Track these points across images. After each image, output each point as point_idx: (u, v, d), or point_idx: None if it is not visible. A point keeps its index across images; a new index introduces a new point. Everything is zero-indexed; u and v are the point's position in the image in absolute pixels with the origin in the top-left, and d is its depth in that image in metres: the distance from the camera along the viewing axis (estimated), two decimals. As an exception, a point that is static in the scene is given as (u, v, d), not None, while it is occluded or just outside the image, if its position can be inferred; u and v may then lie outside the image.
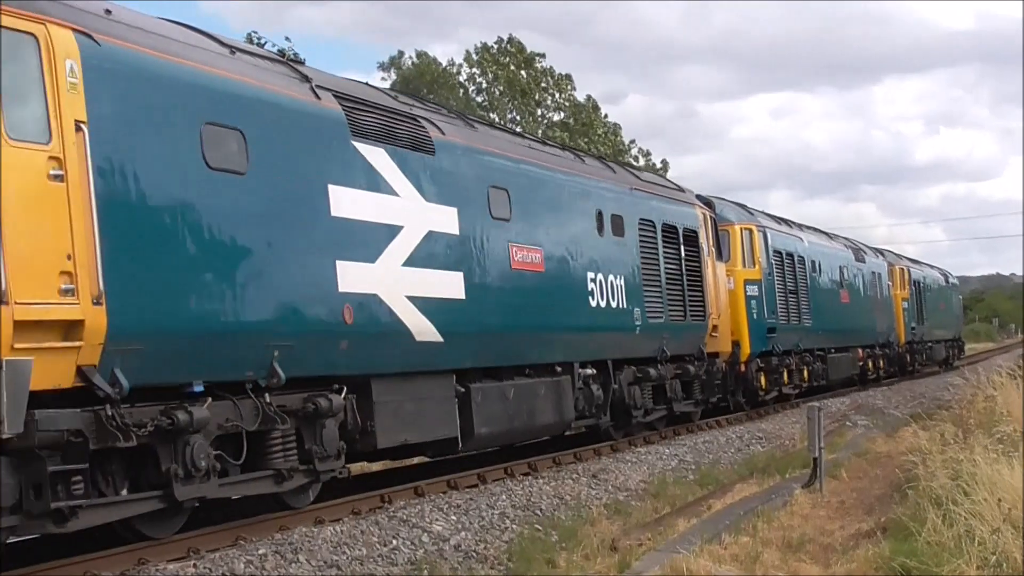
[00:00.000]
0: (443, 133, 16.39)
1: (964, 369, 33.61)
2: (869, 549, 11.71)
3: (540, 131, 49.74)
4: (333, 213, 13.56)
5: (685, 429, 24.91)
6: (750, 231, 29.31)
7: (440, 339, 15.37)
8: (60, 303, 9.87)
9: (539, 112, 55.09)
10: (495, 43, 54.63)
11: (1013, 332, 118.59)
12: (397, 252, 14.77)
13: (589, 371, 19.94)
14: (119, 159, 10.65)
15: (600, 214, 20.48)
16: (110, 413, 10.55)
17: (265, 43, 36.19)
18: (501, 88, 54.12)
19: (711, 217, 26.29)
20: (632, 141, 58.64)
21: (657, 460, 20.74)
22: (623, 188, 22.00)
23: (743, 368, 28.14)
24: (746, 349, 28.04)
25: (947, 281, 61.22)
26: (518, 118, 53.97)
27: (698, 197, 26.80)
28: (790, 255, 32.03)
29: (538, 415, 18.19)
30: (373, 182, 14.44)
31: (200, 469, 11.63)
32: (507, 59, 54.62)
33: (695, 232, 24.50)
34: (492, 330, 16.81)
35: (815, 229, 38.37)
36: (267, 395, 12.57)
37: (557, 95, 55.46)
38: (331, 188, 13.60)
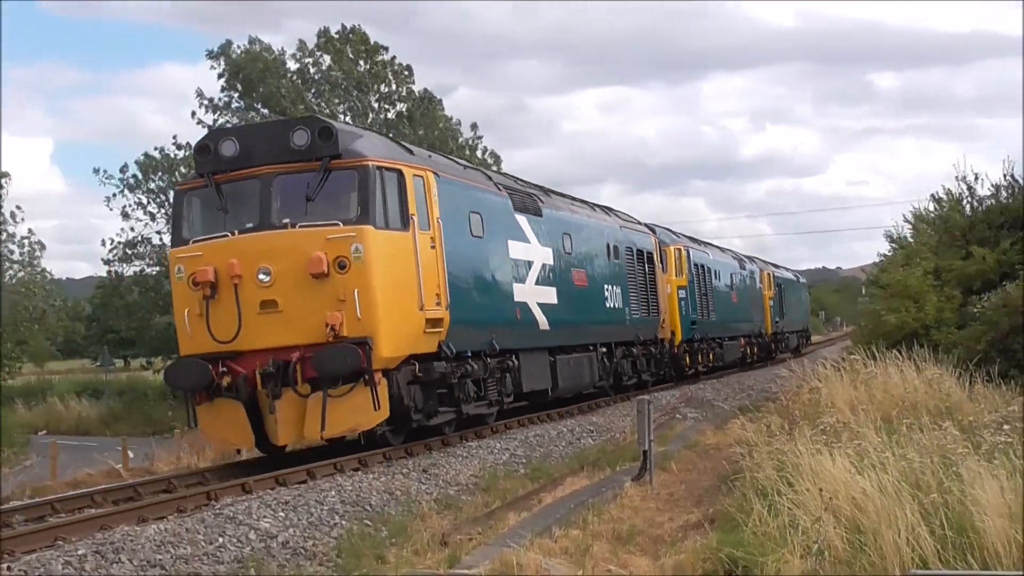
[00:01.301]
0: (542, 202, 26.44)
1: (791, 362, 34.05)
2: (697, 540, 11.90)
3: (379, 126, 48.21)
4: (510, 255, 23.73)
5: (546, 417, 26.94)
6: (679, 250, 38.74)
7: (548, 328, 25.20)
8: (435, 309, 19.90)
9: (377, 106, 53.05)
10: (337, 32, 51.72)
11: (839, 325, 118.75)
12: (532, 276, 24.79)
13: (603, 350, 29.64)
14: (447, 235, 20.47)
15: (608, 245, 30.66)
16: (446, 365, 20.34)
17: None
18: (339, 76, 51.48)
19: (657, 241, 36.51)
20: (481, 138, 56.37)
21: (488, 454, 20.74)
22: (616, 225, 32.31)
23: (676, 351, 37.36)
24: (679, 337, 37.33)
25: (799, 280, 70.95)
26: (357, 107, 51.77)
27: (646, 226, 36.93)
28: (703, 266, 41.48)
29: (583, 377, 27.97)
30: (522, 236, 24.51)
31: (471, 397, 21.61)
32: (348, 47, 52.00)
33: (651, 253, 35.07)
34: (567, 323, 26.48)
35: (714, 245, 48.80)
36: (488, 359, 22.26)
37: (395, 86, 53.34)
38: (509, 242, 23.78)
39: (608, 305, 29.76)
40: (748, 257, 55.34)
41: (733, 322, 46.02)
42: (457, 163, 23.95)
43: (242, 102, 49.32)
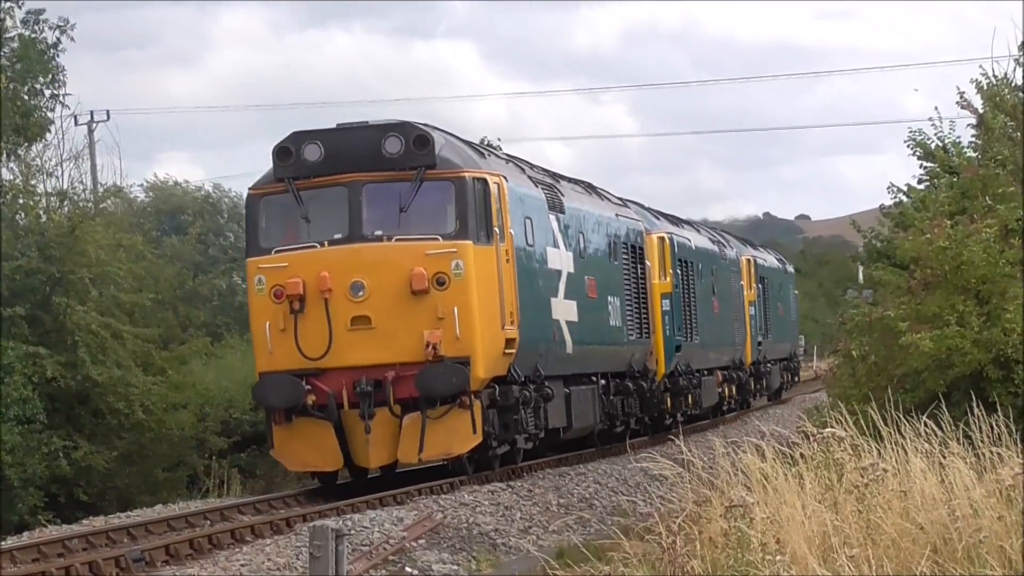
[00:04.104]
0: (562, 194, 23.29)
1: (684, 438, 16.06)
2: None
3: None
4: (548, 265, 22.02)
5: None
6: (663, 239, 29.21)
7: (571, 351, 22.65)
8: (511, 329, 19.54)
9: None
10: None
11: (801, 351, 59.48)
12: (561, 289, 22.55)
13: (602, 382, 25.26)
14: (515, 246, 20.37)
15: (609, 242, 25.86)
16: (518, 390, 20.16)
17: None
18: None
19: (644, 229, 28.95)
20: None
21: None
22: (612, 213, 26.89)
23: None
24: (661, 368, 28.31)
25: (785, 269, 47.18)
26: None
27: (621, 200, 28.98)
28: (687, 262, 30.88)
29: (589, 416, 23.78)
30: (555, 240, 22.37)
31: (524, 428, 20.55)
32: None
33: (643, 249, 28.05)
34: (585, 344, 23.35)
35: (683, 220, 35.73)
36: (531, 385, 20.66)
37: None
38: (548, 249, 21.98)
39: (611, 323, 25.38)
40: (722, 234, 38.87)
41: (715, 346, 32.72)
42: (498, 155, 23.60)
43: None
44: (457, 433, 18.62)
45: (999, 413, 11.02)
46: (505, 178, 20.25)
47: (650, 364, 27.57)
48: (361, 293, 18.54)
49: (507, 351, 19.53)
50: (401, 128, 19.10)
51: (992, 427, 10.46)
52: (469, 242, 18.78)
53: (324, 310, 18.47)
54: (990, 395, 13.63)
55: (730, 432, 23.75)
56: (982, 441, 10.30)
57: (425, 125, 19.69)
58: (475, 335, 18.67)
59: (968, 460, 9.97)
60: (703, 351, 31.36)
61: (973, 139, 18.93)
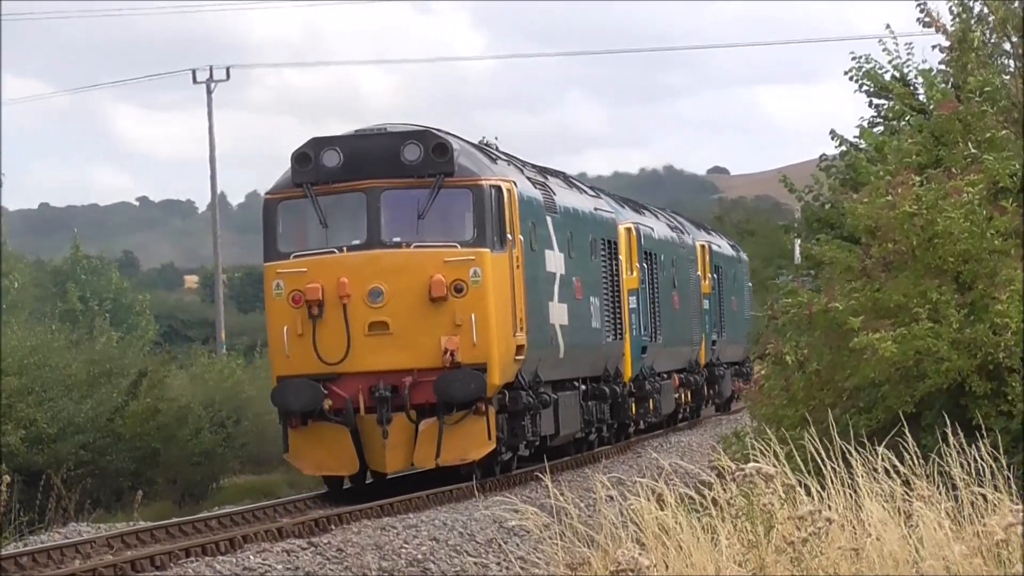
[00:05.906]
0: (554, 193, 23.09)
1: (562, 480, 16.72)
2: None
3: None
4: (547, 269, 22.11)
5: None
6: (629, 231, 28.02)
7: (562, 355, 22.65)
8: (520, 335, 20.01)
9: None
10: None
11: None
12: (556, 293, 22.53)
13: (582, 387, 25.08)
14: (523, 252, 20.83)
15: (591, 239, 25.39)
16: (526, 395, 20.54)
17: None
18: None
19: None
20: None
21: None
22: (592, 208, 26.14)
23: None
24: (628, 371, 26.91)
25: (739, 256, 41.37)
26: None
27: (591, 188, 28.64)
28: (652, 254, 29.22)
29: (574, 422, 23.44)
30: (551, 243, 22.28)
31: (526, 434, 20.89)
32: None
33: (617, 243, 27.10)
34: (574, 347, 23.20)
35: (643, 205, 32.99)
36: (529, 391, 20.79)
37: None
38: (546, 252, 22.04)
39: (593, 324, 24.77)
40: (676, 217, 35.45)
41: (675, 346, 30.73)
42: (501, 156, 22.99)
43: None
44: (473, 439, 19.19)
45: (985, 440, 8.97)
46: (515, 184, 20.74)
47: (621, 367, 26.26)
48: (379, 299, 19.04)
49: (517, 357, 20.10)
50: (420, 136, 19.66)
51: (976, 460, 8.39)
52: (487, 250, 19.32)
53: (342, 315, 18.97)
54: (973, 416, 11.10)
55: (615, 467, 20.96)
56: (962, 479, 8.29)
57: (442, 132, 20.13)
58: (491, 342, 19.22)
59: (943, 506, 8.01)
60: (665, 352, 29.66)
61: (943, 67, 14.43)
